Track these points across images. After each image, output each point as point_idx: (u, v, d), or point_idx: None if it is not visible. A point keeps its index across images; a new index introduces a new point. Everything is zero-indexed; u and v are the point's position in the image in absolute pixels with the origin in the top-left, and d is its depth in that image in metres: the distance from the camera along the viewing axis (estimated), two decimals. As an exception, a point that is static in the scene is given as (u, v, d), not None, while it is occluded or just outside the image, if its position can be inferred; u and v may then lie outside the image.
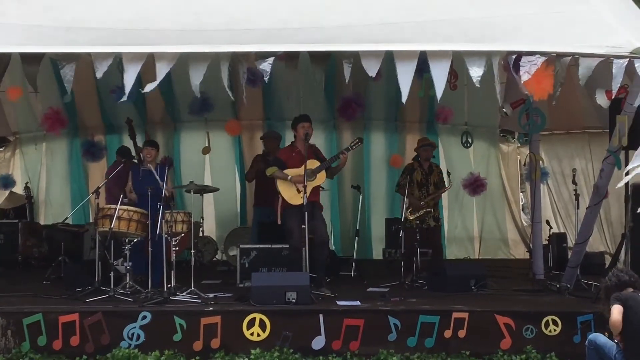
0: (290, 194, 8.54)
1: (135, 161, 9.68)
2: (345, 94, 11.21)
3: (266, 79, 7.20)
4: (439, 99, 7.01)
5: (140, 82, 7.23)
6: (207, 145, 11.88)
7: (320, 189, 8.91)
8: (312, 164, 8.45)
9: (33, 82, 7.34)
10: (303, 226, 8.17)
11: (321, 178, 8.54)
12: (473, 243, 12.96)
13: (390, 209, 12.35)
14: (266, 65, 7.13)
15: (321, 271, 8.54)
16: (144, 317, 7.18)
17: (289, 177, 8.52)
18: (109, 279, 8.07)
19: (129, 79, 7.03)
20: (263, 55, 7.14)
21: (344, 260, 10.84)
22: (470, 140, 11.76)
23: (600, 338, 6.04)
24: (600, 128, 10.65)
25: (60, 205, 12.59)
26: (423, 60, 7.01)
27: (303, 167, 8.36)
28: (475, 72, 6.88)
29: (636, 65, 6.69)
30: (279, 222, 8.72)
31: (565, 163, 11.91)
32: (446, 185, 9.93)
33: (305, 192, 8.17)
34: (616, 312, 5.73)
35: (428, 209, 9.50)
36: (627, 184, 8.97)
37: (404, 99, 6.95)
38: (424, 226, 9.52)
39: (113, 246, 8.31)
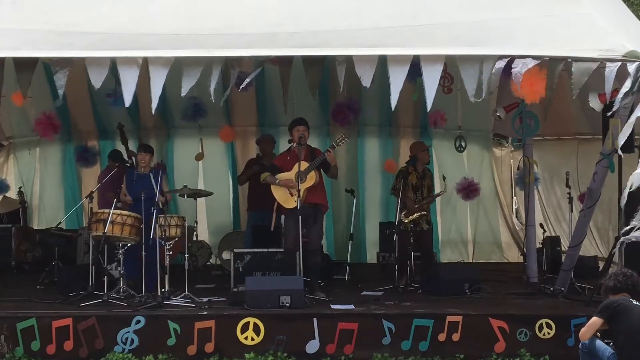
0: (284, 198, 8.56)
1: (128, 165, 9.65)
2: (339, 99, 11.21)
3: (244, 87, 7.12)
4: (429, 104, 6.94)
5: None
6: (200, 151, 11.87)
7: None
8: (303, 166, 8.42)
9: (25, 87, 7.30)
10: (304, 230, 8.22)
11: (311, 179, 8.46)
12: (467, 247, 12.97)
13: (385, 213, 12.34)
14: (251, 76, 7.11)
15: (314, 276, 8.54)
16: (138, 322, 7.17)
17: (277, 181, 8.56)
18: (103, 284, 8.06)
19: (129, 85, 6.99)
20: (256, 60, 7.14)
21: (337, 264, 10.83)
22: (463, 144, 11.83)
23: (593, 341, 6.06)
24: (590, 134, 10.68)
25: (53, 210, 12.56)
26: (416, 64, 7.01)
27: (292, 170, 8.41)
28: (470, 84, 6.87)
29: (629, 68, 6.70)
30: (272, 229, 8.74)
31: (555, 168, 11.94)
32: (442, 190, 9.99)
33: (299, 196, 8.18)
34: (590, 324, 5.84)
35: (423, 212, 9.53)
36: (619, 187, 9.02)
37: (393, 104, 6.92)
38: (417, 229, 9.52)
39: (107, 250, 8.30)
